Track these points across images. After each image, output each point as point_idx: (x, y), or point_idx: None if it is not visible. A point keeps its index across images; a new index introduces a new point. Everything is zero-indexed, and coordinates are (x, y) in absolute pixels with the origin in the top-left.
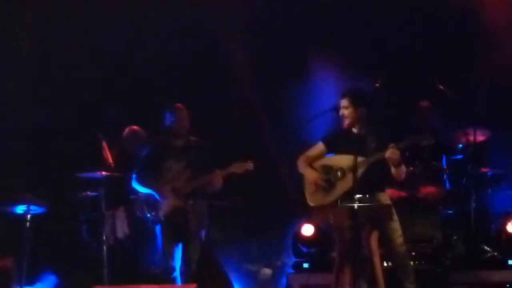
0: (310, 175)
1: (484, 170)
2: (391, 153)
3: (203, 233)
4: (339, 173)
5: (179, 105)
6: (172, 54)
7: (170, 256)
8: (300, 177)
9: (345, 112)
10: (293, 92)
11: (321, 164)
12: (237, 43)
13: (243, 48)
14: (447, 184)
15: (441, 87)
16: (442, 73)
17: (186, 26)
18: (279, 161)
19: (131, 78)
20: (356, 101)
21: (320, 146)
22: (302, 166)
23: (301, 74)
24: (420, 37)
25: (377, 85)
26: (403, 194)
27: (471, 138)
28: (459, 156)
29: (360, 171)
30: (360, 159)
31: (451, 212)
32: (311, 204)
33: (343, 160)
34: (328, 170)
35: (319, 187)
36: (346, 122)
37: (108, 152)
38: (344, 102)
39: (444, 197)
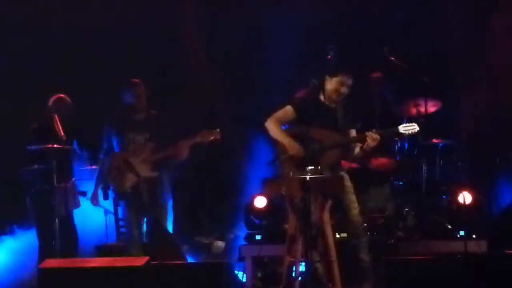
0: (293, 146)
1: (435, 141)
2: (372, 140)
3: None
4: (318, 149)
5: (135, 80)
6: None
7: (136, 228)
8: (275, 143)
9: (347, 91)
10: (248, 72)
11: (298, 134)
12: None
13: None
14: (398, 156)
15: (392, 58)
16: (392, 44)
17: None
18: (231, 133)
19: (84, 52)
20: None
21: (289, 110)
22: (278, 132)
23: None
24: (372, 7)
25: (329, 56)
26: (354, 165)
27: (422, 109)
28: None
29: (335, 148)
30: (336, 136)
31: (402, 183)
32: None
33: (322, 135)
34: (307, 143)
35: (300, 160)
36: (339, 99)
37: (59, 125)
38: (351, 82)
39: (395, 168)
